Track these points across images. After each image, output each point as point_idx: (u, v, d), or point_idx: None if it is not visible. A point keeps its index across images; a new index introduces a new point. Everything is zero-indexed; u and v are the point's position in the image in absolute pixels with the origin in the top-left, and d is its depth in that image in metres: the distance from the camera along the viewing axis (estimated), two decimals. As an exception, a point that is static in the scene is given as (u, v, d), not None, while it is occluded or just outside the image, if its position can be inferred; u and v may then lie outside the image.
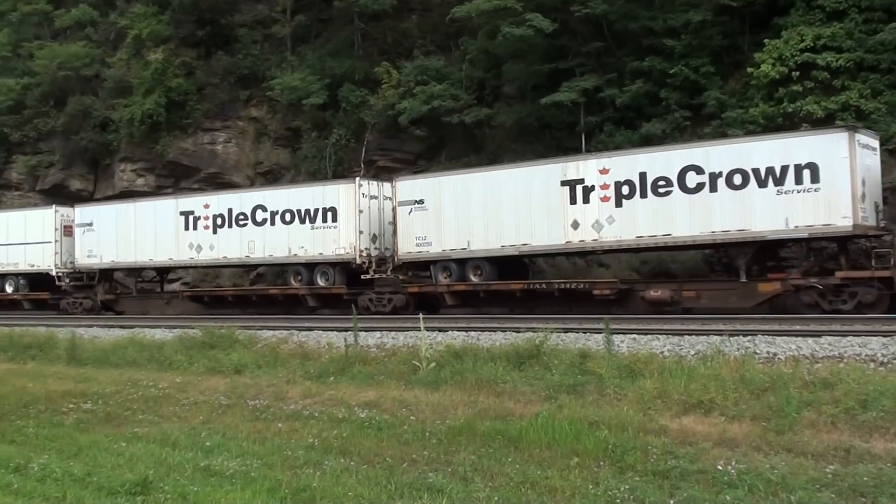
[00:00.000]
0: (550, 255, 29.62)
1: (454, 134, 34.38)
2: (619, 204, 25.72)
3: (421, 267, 30.56)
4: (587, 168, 26.46)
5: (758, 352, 15.17)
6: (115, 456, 12.52)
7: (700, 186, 24.43)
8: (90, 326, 27.62)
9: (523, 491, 9.87)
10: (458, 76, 34.02)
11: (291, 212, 32.33)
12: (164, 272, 38.88)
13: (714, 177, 24.22)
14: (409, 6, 38.50)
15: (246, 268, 37.50)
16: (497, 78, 34.20)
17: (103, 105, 44.43)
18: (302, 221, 32.02)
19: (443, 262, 29.09)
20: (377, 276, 30.74)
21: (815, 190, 22.76)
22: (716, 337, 16.67)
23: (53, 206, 40.15)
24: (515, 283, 27.76)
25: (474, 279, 28.39)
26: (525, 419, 12.46)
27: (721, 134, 27.24)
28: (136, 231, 36.54)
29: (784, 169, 23.23)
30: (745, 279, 24.53)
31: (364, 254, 30.56)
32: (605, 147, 28.58)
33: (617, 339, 16.39)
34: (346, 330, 20.20)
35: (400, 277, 30.65)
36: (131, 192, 41.80)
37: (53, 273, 38.46)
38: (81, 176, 46.61)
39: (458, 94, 33.31)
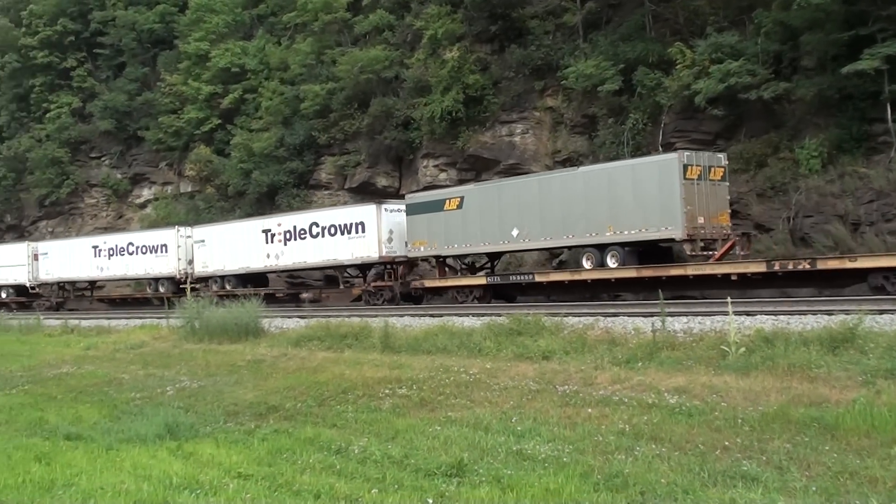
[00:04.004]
0: (259, 274, 45.94)
1: (752, 111, 33.29)
2: (285, 244, 43.19)
3: (206, 280, 47.39)
4: (273, 222, 44.34)
5: None
6: (431, 439, 13.11)
7: (318, 234, 41.55)
8: (402, 316, 28.46)
9: (841, 481, 9.63)
10: (753, 51, 32.71)
11: (145, 247, 51.16)
12: (92, 283, 57.19)
13: (324, 229, 41.29)
14: (699, -18, 37.63)
15: (126, 281, 56.23)
16: (794, 50, 32.68)
17: (404, 104, 45.81)
18: (151, 252, 50.77)
19: (214, 278, 47.15)
20: (192, 285, 43.88)
21: (363, 237, 39.36)
22: None
23: (27, 241, 61.75)
24: (250, 290, 42.46)
25: (228, 287, 45.37)
26: (841, 406, 12.06)
27: None
28: (71, 258, 55.79)
29: (351, 225, 39.97)
30: (343, 287, 42.70)
31: (182, 272, 48.47)
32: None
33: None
34: (651, 315, 20.06)
35: (197, 286, 45.41)
36: (434, 187, 42.96)
37: (27, 284, 58.42)
38: (386, 173, 48.36)
39: (755, 70, 32.07)
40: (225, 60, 55.90)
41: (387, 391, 17.13)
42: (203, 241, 47.81)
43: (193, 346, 27.20)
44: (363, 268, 41.05)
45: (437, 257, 37.47)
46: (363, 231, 39.28)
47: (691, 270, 28.28)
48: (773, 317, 19.35)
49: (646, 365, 16.32)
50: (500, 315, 23.72)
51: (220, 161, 56.02)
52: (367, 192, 47.54)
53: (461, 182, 42.51)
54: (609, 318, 21.78)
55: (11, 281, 59.52)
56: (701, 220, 29.13)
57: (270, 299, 41.73)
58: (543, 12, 42.37)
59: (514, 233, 33.63)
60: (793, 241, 30.64)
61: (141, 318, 38.87)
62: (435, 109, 42.33)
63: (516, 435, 12.92)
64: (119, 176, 66.99)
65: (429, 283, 37.34)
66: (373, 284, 39.66)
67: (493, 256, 37.36)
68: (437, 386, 17.00)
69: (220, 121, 57.23)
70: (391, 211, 39.04)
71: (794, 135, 32.30)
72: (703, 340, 17.30)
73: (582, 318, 22.12)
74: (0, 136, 72.78)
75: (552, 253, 37.25)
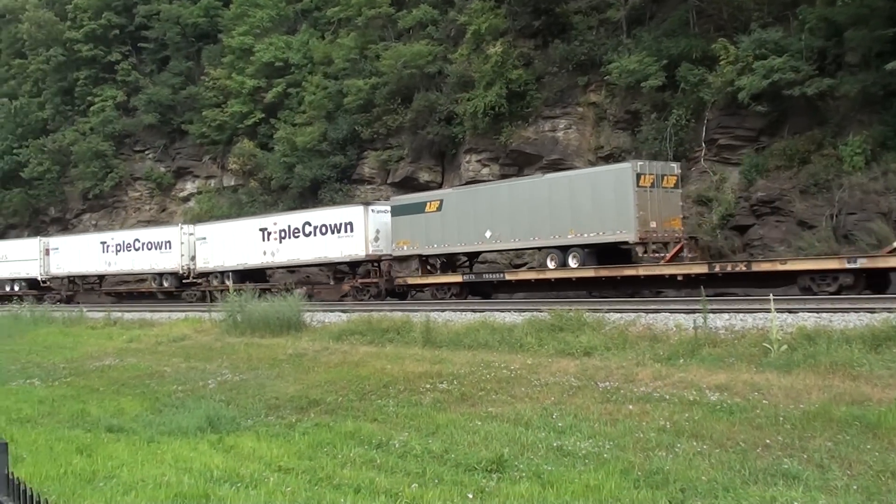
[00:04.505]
0: (256, 270, 47.71)
1: (796, 107, 33.06)
2: (280, 242, 45.68)
3: (206, 276, 50.57)
4: (269, 222, 46.90)
5: None
6: (471, 434, 13.14)
7: (310, 233, 43.85)
8: (443, 311, 28.39)
9: (883, 480, 9.61)
10: (797, 47, 32.46)
11: (150, 243, 54.01)
12: (101, 278, 60.63)
13: (316, 228, 43.56)
14: (744, -22, 37.38)
15: (133, 275, 58.72)
16: (838, 46, 32.39)
17: (447, 100, 45.81)
18: (155, 249, 53.53)
19: (214, 273, 50.01)
20: (194, 280, 51.43)
21: (352, 236, 41.56)
22: None
23: (38, 237, 63.89)
24: (246, 285, 41.21)
25: (227, 283, 47.14)
26: (883, 404, 12.02)
27: None
28: (81, 253, 58.84)
29: (340, 225, 42.26)
30: (333, 283, 44.08)
31: (185, 268, 51.53)
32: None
33: None
34: (693, 312, 20.03)
35: (199, 282, 51.11)
36: (477, 182, 43.02)
37: (39, 278, 61.85)
38: (429, 168, 48.43)
39: (799, 66, 31.80)
40: (269, 55, 56.11)
41: (428, 386, 17.15)
42: (205, 238, 50.78)
43: (235, 339, 27.27)
44: (352, 265, 43.57)
45: (419, 256, 39.92)
46: (352, 231, 41.91)
47: (642, 271, 31.10)
48: (815, 314, 19.21)
49: (687, 362, 16.33)
50: (541, 311, 23.72)
51: (263, 155, 56.26)
52: (410, 187, 47.57)
53: (504, 177, 42.58)
54: (651, 315, 21.66)
55: (24, 274, 63.20)
56: (653, 225, 31.67)
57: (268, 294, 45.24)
58: (587, 7, 42.27)
59: (488, 234, 36.42)
60: (836, 239, 30.42)
61: (183, 311, 39.18)
62: (478, 104, 42.29)
63: (557, 431, 12.95)
64: (163, 169, 67.41)
65: (411, 281, 40.23)
66: (360, 281, 42.49)
67: (471, 256, 39.80)
68: (478, 381, 17.01)
69: (263, 115, 57.49)
70: (378, 212, 41.70)
71: (837, 131, 32.08)
72: (744, 338, 17.28)
73: (623, 315, 22.04)
74: (45, 129, 73.40)
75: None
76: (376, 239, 41.22)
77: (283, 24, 60.00)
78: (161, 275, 54.03)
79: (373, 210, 41.67)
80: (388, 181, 50.37)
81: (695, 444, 11.57)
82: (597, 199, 32.31)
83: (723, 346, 17.04)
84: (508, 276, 35.90)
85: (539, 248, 35.79)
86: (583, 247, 32.85)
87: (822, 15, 31.86)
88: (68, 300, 58.06)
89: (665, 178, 32.36)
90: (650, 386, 15.04)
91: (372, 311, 29.88)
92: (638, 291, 33.24)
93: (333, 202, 48.36)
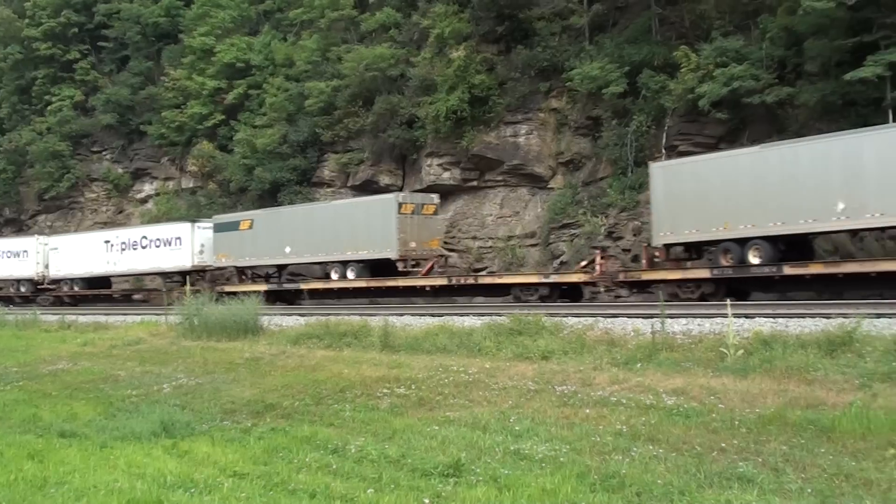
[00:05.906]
0: (101, 277, 54.46)
1: (756, 115, 33.37)
2: (122, 253, 51.63)
3: (58, 282, 56.00)
4: (112, 234, 53.65)
5: None
6: (428, 439, 13.02)
7: (147, 246, 50.00)
8: (401, 315, 28.29)
9: (836, 483, 9.64)
10: (757, 55, 32.76)
11: (9, 252, 58.49)
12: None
13: (151, 241, 49.87)
14: (706, -13, 37.63)
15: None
16: (798, 55, 32.71)
17: (409, 103, 45.66)
18: (14, 257, 57.93)
19: (65, 280, 55.49)
20: (48, 287, 56.68)
21: (180, 249, 47.83)
22: None
23: None
24: (95, 291, 54.75)
25: (76, 288, 54.57)
26: (838, 408, 12.09)
27: None
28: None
29: (171, 239, 48.42)
30: (165, 290, 45.73)
31: (40, 275, 56.82)
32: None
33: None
34: (651, 317, 20.05)
35: (52, 287, 56.44)
36: (437, 186, 43.26)
37: None
38: (390, 171, 48.21)
39: (759, 75, 32.12)
40: (230, 56, 55.85)
41: (385, 390, 16.99)
42: (57, 248, 56.60)
43: (191, 343, 26.85)
44: (182, 274, 48.66)
45: (235, 267, 46.09)
46: (180, 244, 48.20)
47: (401, 282, 37.51)
48: (771, 320, 19.39)
49: (644, 366, 16.31)
50: (500, 315, 23.67)
51: (222, 157, 55.87)
52: (370, 190, 47.41)
53: (465, 181, 42.86)
54: (609, 319, 21.74)
55: None
56: (413, 245, 38.40)
57: (110, 299, 55.41)
58: (550, 14, 42.34)
59: (287, 250, 42.53)
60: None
61: (139, 314, 38.84)
62: (440, 108, 42.19)
63: (514, 435, 12.88)
64: (120, 171, 66.80)
65: (227, 289, 43.94)
66: (186, 289, 45.79)
67: (280, 267, 45.01)
68: (436, 385, 16.88)
69: (223, 116, 57.12)
70: (203, 228, 48.00)
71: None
72: (701, 342, 17.34)
73: (582, 319, 22.05)
74: (1, 129, 72.86)
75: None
76: (201, 252, 47.71)
77: (245, 25, 59.83)
78: (19, 281, 58.88)
79: (198, 226, 48.09)
80: (349, 184, 50.07)
81: (651, 447, 11.55)
82: (369, 223, 38.99)
83: (680, 350, 17.06)
84: (303, 286, 42.22)
85: (326, 262, 41.47)
86: (359, 262, 39.43)
87: (783, 25, 32.16)
88: None
89: (425, 206, 39.40)
90: (607, 390, 14.99)
91: (329, 314, 29.68)
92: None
93: (293, 204, 48.16)
